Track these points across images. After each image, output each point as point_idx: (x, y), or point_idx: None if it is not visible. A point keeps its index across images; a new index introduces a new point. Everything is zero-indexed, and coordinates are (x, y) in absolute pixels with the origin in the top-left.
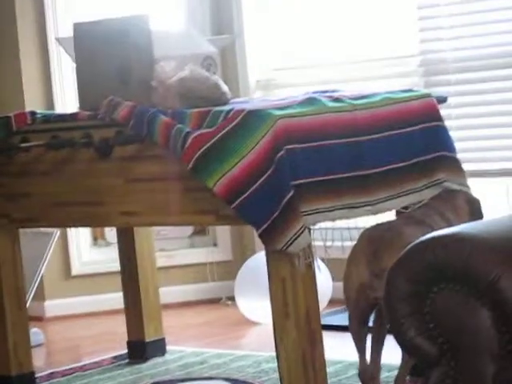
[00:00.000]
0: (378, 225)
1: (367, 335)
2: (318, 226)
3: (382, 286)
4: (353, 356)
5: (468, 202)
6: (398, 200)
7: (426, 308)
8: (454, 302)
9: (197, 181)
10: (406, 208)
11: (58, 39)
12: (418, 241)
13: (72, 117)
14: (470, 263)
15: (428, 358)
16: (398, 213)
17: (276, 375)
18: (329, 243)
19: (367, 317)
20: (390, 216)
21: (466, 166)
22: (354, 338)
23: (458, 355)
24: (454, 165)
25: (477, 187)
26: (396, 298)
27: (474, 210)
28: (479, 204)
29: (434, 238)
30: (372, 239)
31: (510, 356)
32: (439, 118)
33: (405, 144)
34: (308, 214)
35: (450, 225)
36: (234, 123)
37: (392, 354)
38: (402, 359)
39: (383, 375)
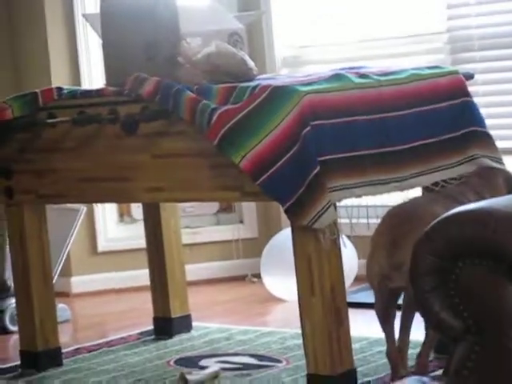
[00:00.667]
0: (399, 207)
1: (395, 317)
2: (343, 203)
3: (401, 277)
4: (378, 333)
5: (507, 179)
6: (426, 177)
7: (451, 283)
8: (479, 278)
9: (222, 157)
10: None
11: (84, 15)
12: (443, 215)
13: (98, 93)
14: (496, 238)
15: (453, 333)
16: (428, 189)
17: (301, 352)
18: (354, 220)
19: (392, 302)
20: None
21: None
22: (379, 320)
23: (483, 330)
24: (487, 140)
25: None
26: (421, 273)
27: (511, 186)
28: None
29: (459, 213)
30: (392, 226)
31: None
32: (467, 94)
33: (433, 120)
34: (334, 190)
35: None
36: (260, 99)
37: (416, 330)
38: (426, 336)
39: (409, 352)
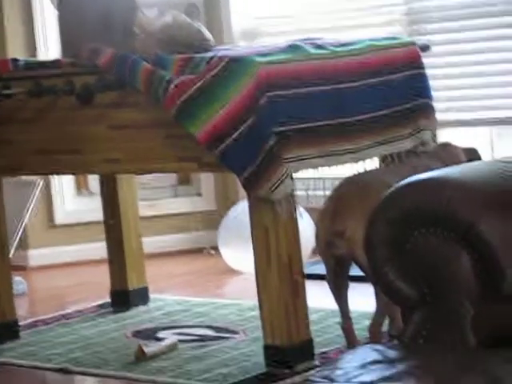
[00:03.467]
0: (354, 175)
1: (346, 288)
2: (300, 174)
3: (343, 244)
4: (335, 304)
5: (464, 152)
6: (381, 147)
7: (405, 252)
8: (433, 246)
9: (179, 128)
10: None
11: None
12: (397, 185)
13: (54, 64)
14: (449, 207)
15: (408, 302)
16: (383, 161)
17: (259, 323)
18: (311, 192)
19: (341, 270)
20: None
21: (450, 115)
22: (331, 290)
23: (437, 299)
24: (432, 113)
25: (461, 136)
26: (376, 243)
27: (472, 158)
28: (476, 152)
29: (414, 182)
30: (336, 196)
31: (489, 299)
32: (421, 66)
33: (388, 91)
34: (290, 161)
35: None
36: (216, 70)
37: (372, 301)
38: (377, 305)
39: (364, 323)
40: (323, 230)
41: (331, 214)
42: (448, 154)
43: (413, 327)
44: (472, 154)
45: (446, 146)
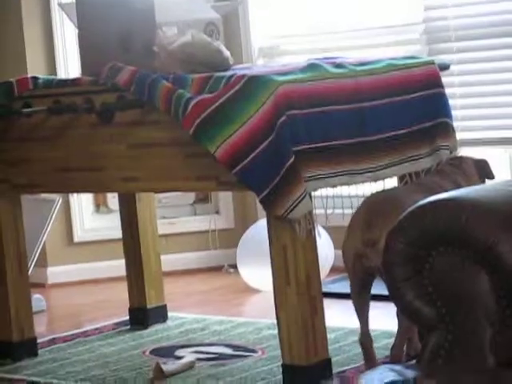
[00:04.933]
0: (378, 192)
1: (369, 304)
2: (318, 193)
3: (375, 255)
4: (353, 323)
5: (476, 165)
6: (399, 167)
7: (424, 272)
8: (452, 266)
9: (198, 146)
10: (416, 175)
11: (60, 5)
12: (416, 205)
13: (74, 82)
14: (468, 227)
15: (426, 322)
16: (402, 180)
17: (277, 342)
18: (330, 211)
19: (367, 285)
20: (393, 183)
21: (468, 135)
22: (354, 305)
23: (455, 319)
24: (452, 132)
25: (478, 155)
26: (394, 262)
27: (482, 172)
28: (486, 164)
29: (432, 203)
30: (368, 208)
31: (507, 320)
32: (440, 85)
33: (407, 110)
34: (309, 180)
35: None
36: (235, 89)
37: (392, 320)
38: (399, 325)
39: (384, 342)
40: (354, 240)
41: (363, 225)
42: (459, 171)
43: (431, 347)
44: (482, 166)
45: (456, 162)
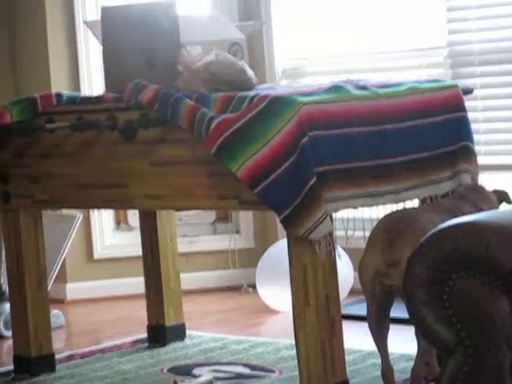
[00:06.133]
0: (395, 212)
1: (388, 329)
2: (339, 215)
3: (397, 274)
4: (372, 346)
5: (495, 192)
6: (421, 190)
7: (444, 295)
8: (472, 290)
9: (220, 165)
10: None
11: (85, 22)
12: (437, 228)
13: (97, 99)
14: (489, 251)
15: (446, 346)
16: (423, 203)
17: (295, 362)
18: (350, 233)
19: (385, 306)
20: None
21: (491, 159)
22: (371, 330)
23: (475, 343)
24: (473, 156)
25: (501, 180)
26: (415, 285)
27: (502, 200)
28: (506, 194)
29: (453, 226)
30: (388, 227)
31: None
32: (463, 109)
33: (429, 134)
34: (330, 201)
35: None
36: (258, 108)
37: (411, 343)
38: (419, 348)
39: (402, 365)
40: (373, 259)
41: (384, 244)
42: (480, 196)
43: (450, 371)
44: (503, 197)
45: (476, 188)
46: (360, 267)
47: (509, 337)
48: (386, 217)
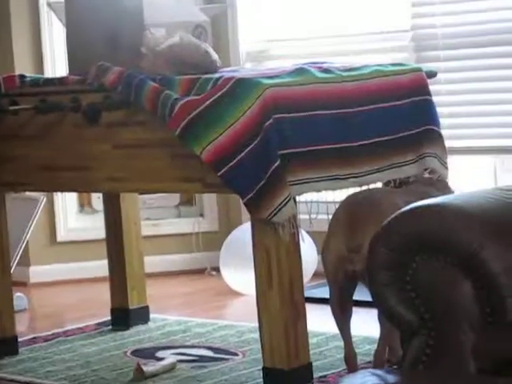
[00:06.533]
0: (358, 193)
1: (351, 314)
2: (303, 198)
3: (359, 259)
4: (335, 328)
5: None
6: (384, 173)
7: (407, 277)
8: (435, 272)
9: (184, 148)
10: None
11: (49, 3)
12: (400, 211)
13: (61, 81)
14: (452, 234)
15: (408, 327)
16: (386, 185)
17: (258, 345)
18: (314, 216)
19: (348, 291)
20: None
21: (454, 143)
22: (334, 316)
23: (438, 325)
24: (439, 141)
25: (464, 164)
26: (377, 268)
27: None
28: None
29: (416, 208)
30: (350, 210)
31: (490, 327)
32: (428, 93)
33: (393, 117)
34: (294, 184)
35: None
36: (222, 91)
37: (374, 326)
38: (381, 331)
39: (365, 348)
40: (336, 244)
41: (346, 229)
42: (441, 184)
43: (413, 353)
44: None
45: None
46: (322, 252)
47: (471, 319)
48: (348, 198)
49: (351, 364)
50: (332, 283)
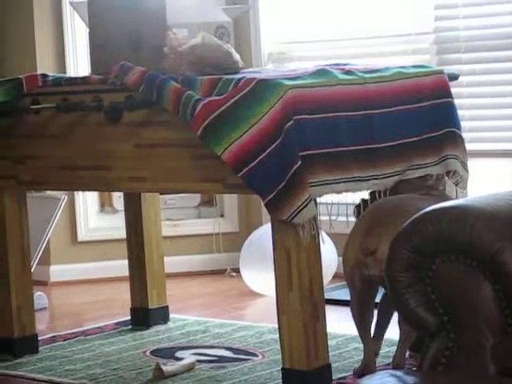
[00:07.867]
0: (386, 198)
1: (371, 319)
2: (323, 200)
3: (375, 264)
4: (355, 330)
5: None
6: (405, 175)
7: (427, 279)
8: (456, 274)
9: (205, 148)
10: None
11: (72, 3)
12: (421, 212)
13: (83, 80)
14: (473, 235)
15: (428, 330)
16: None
17: (277, 346)
18: (334, 218)
19: (367, 297)
20: None
21: (475, 146)
22: (354, 319)
23: (457, 327)
24: (460, 142)
25: (484, 167)
26: (398, 269)
27: None
28: None
29: (437, 210)
30: (370, 215)
31: (509, 329)
32: (449, 95)
33: (414, 119)
34: (314, 186)
35: None
36: (244, 91)
37: (393, 328)
38: (401, 333)
39: (384, 350)
40: (353, 248)
41: (363, 233)
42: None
43: (432, 355)
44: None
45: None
46: (342, 256)
47: (491, 320)
48: (374, 204)
49: (370, 371)
50: (351, 287)
